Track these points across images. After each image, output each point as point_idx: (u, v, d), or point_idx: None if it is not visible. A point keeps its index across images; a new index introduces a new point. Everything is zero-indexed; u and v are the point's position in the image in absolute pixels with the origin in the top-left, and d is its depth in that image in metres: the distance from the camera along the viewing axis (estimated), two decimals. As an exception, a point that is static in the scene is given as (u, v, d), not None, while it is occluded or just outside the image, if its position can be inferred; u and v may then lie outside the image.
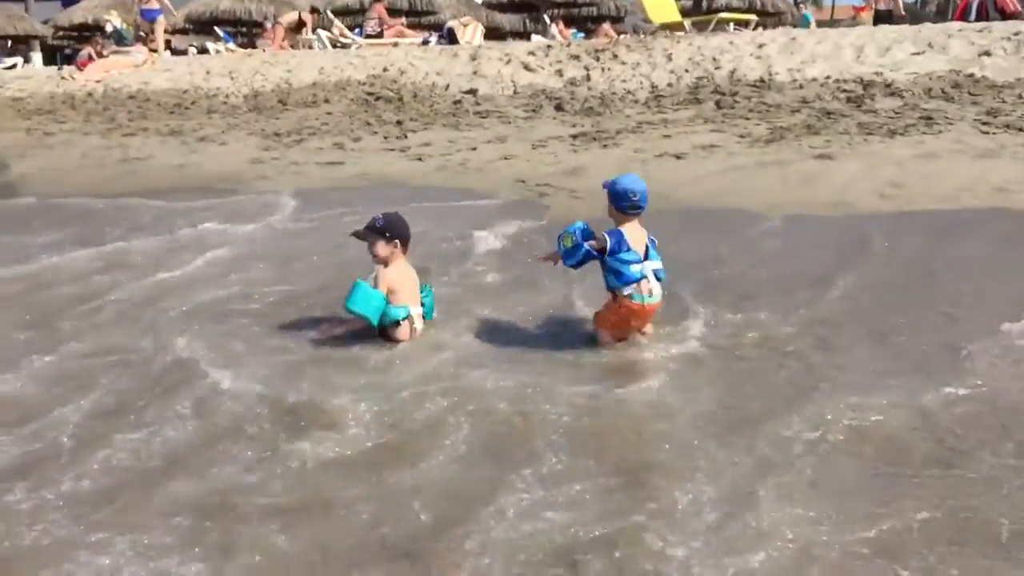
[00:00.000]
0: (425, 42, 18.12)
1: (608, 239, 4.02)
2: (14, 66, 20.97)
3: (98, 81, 14.35)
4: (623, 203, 4.08)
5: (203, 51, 20.56)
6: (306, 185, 8.33)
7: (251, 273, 5.34)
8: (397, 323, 4.07)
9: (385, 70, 13.27)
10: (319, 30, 18.27)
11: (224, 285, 5.07)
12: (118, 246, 6.14)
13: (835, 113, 9.50)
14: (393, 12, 23.70)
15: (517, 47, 13.95)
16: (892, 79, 10.56)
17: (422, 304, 4.25)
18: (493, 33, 26.90)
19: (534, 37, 19.93)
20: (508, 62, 12.75)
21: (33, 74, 16.92)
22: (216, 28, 22.34)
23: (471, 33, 19.79)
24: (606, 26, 19.79)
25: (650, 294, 4.01)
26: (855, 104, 9.79)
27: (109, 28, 16.88)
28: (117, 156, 9.92)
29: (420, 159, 9.03)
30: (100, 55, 15.04)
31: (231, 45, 20.23)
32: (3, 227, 7.02)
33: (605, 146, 9.06)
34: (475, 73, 12.47)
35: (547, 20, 21.05)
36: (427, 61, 13.45)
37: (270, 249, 5.95)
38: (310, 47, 18.38)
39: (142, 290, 5.01)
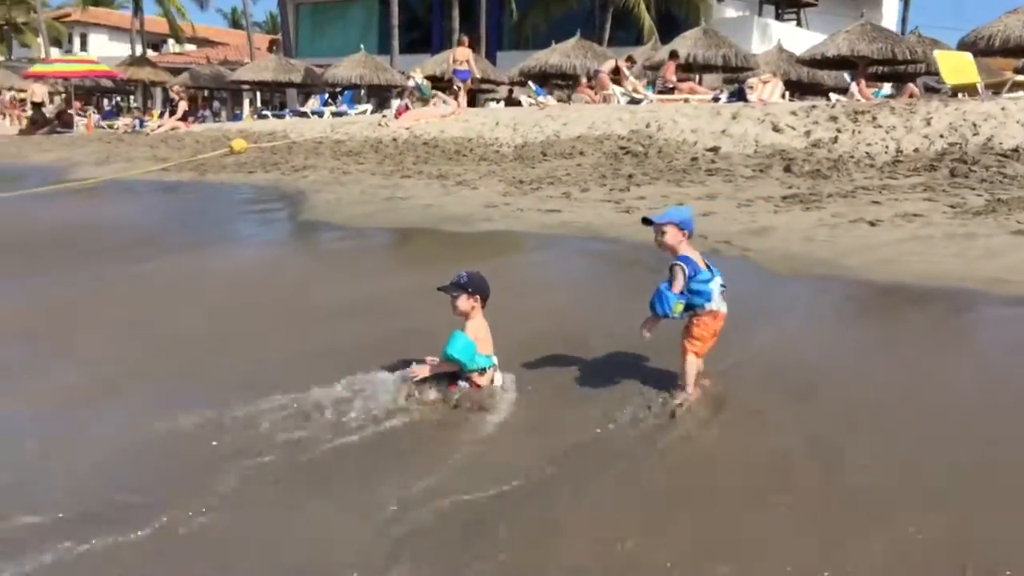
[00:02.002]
0: (715, 99, 18.66)
1: (685, 266, 4.50)
2: (364, 112, 24.34)
3: (407, 128, 16.51)
4: (690, 227, 4.61)
5: (509, 102, 22.61)
6: (512, 228, 9.36)
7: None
8: (483, 370, 4.62)
9: (647, 126, 14.04)
10: (614, 86, 19.44)
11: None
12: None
13: (1072, 189, 8.88)
14: (696, 68, 24.42)
15: (779, 108, 14.09)
16: None
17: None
18: (805, 89, 26.61)
19: (832, 96, 19.65)
20: (761, 122, 13.00)
21: (359, 120, 19.70)
22: (529, 82, 24.30)
23: (769, 91, 19.94)
24: (911, 86, 19.04)
25: (723, 302, 4.47)
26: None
27: (411, 84, 19.21)
28: (385, 195, 11.58)
29: (628, 211, 9.71)
30: (409, 106, 17.35)
31: (542, 98, 22.03)
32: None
33: (807, 208, 9.18)
34: (723, 132, 12.87)
35: (847, 78, 20.60)
36: (689, 118, 14.03)
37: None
38: (606, 100, 19.62)
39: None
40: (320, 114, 24.26)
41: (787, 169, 10.94)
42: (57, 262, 8.15)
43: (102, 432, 4.07)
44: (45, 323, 5.99)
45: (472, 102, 30.55)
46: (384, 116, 19.06)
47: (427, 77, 30.99)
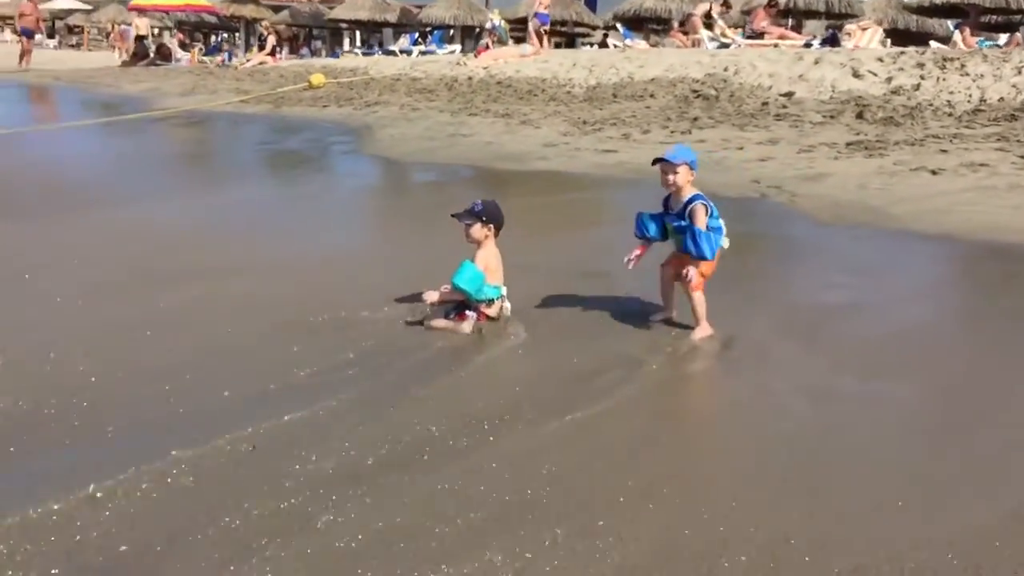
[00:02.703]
0: (807, 45, 17.97)
1: (706, 206, 4.42)
2: (452, 52, 24.31)
3: (485, 68, 16.44)
4: (696, 167, 4.52)
5: (602, 45, 22.24)
6: (565, 167, 9.28)
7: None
8: (491, 301, 4.60)
9: (725, 69, 13.64)
10: (703, 30, 18.90)
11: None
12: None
13: None
14: (797, 13, 23.49)
15: (866, 54, 13.50)
16: None
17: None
18: (912, 38, 25.32)
19: (932, 43, 18.68)
20: (843, 67, 12.49)
21: (440, 59, 19.68)
22: (617, 25, 23.82)
23: (867, 39, 19.10)
24: (1018, 35, 17.95)
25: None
26: None
27: (489, 25, 19.03)
28: (449, 131, 11.59)
29: (684, 153, 9.50)
30: (489, 46, 17.24)
31: (629, 41, 21.60)
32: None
33: (870, 156, 8.83)
34: (800, 77, 12.41)
35: (950, 26, 19.54)
36: (770, 63, 13.57)
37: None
38: (696, 44, 19.10)
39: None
40: (408, 52, 24.31)
41: (859, 116, 10.50)
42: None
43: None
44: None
45: (571, 44, 30.19)
46: (464, 55, 19.00)
47: (515, 20, 30.89)
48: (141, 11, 29.44)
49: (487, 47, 17.71)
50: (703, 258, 4.30)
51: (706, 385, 4.10)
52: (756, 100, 11.83)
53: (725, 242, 4.44)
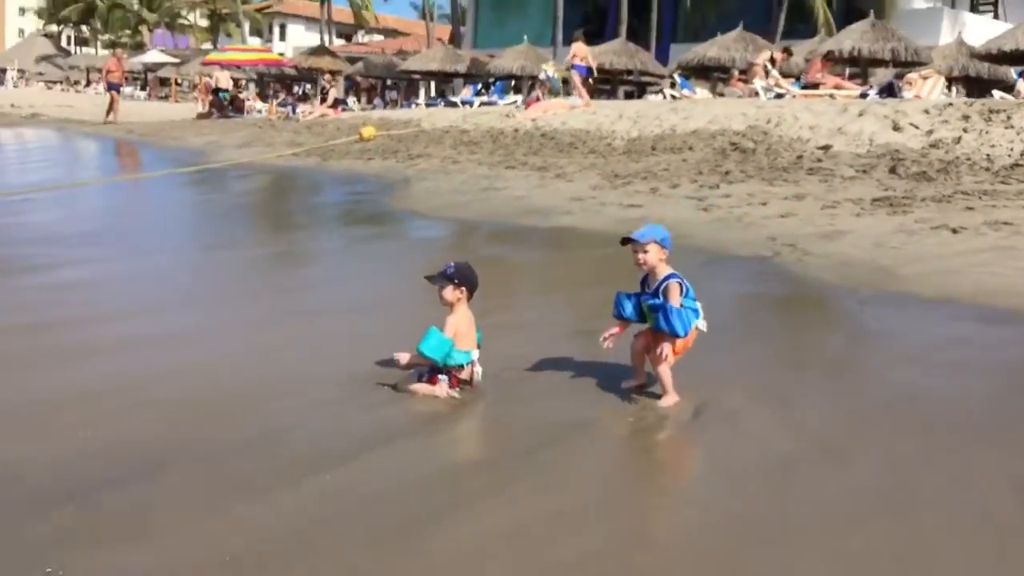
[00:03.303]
0: (863, 95, 17.71)
1: (681, 284, 4.43)
2: (513, 102, 24.62)
3: (533, 120, 16.62)
4: (668, 245, 4.52)
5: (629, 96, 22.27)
6: (586, 223, 9.31)
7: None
8: (461, 366, 4.58)
9: (768, 121, 13.53)
10: (756, 80, 18.80)
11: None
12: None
13: None
14: (862, 62, 23.14)
15: (911, 105, 13.24)
16: None
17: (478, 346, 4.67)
18: (984, 86, 24.65)
19: (995, 93, 18.22)
20: (885, 119, 12.27)
21: (491, 111, 19.96)
22: (674, 75, 23.83)
23: (929, 88, 18.75)
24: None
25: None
26: None
27: (543, 76, 19.22)
28: (483, 185, 11.74)
29: (706, 210, 9.45)
30: (538, 97, 17.43)
31: (686, 91, 21.59)
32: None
33: (893, 212, 8.66)
34: (840, 129, 12.23)
35: (1014, 74, 19.02)
36: (813, 115, 13.41)
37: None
38: (756, 94, 18.98)
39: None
40: (470, 103, 24.71)
41: (892, 170, 10.29)
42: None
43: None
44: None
45: (641, 94, 30.26)
46: (516, 106, 19.24)
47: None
48: (215, 64, 30.64)
49: (537, 99, 17.92)
50: (675, 334, 4.26)
51: (661, 456, 4.05)
52: (792, 153, 11.70)
53: (703, 324, 4.41)
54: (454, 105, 24.89)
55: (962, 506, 3.21)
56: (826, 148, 11.73)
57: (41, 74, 71.50)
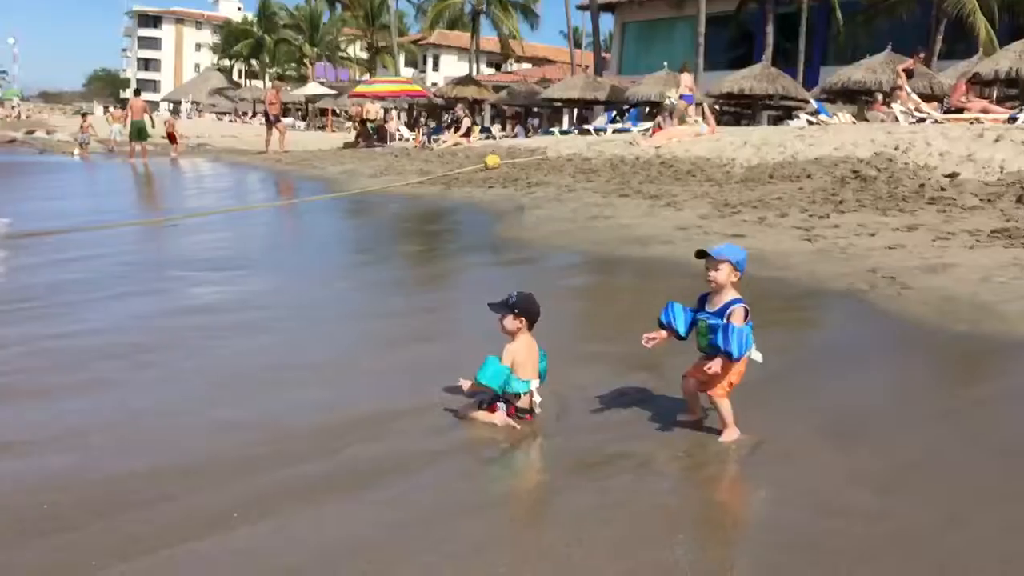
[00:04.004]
0: (1012, 119, 16.74)
1: (747, 311, 4.41)
2: (647, 129, 24.55)
3: (657, 147, 16.53)
4: (743, 269, 4.50)
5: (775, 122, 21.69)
6: (685, 253, 9.19)
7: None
8: (518, 395, 4.71)
9: (896, 148, 13.00)
10: (895, 104, 18.06)
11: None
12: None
13: None
14: (1021, 84, 21.83)
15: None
16: None
17: (540, 374, 4.79)
18: None
19: None
20: (1022, 144, 11.58)
21: (616, 138, 19.93)
22: (811, 100, 23.14)
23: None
24: None
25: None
26: None
27: (667, 103, 19.03)
28: (592, 213, 11.77)
29: (810, 240, 9.17)
30: (660, 125, 17.30)
31: (823, 116, 20.94)
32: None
33: (1011, 245, 8.20)
34: (969, 157, 11.61)
35: None
36: (948, 141, 12.77)
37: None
38: (895, 119, 18.26)
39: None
40: (603, 130, 24.77)
41: (1020, 199, 9.69)
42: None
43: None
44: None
45: (789, 117, 29.55)
46: (644, 132, 19.17)
47: (719, 96, 30.68)
48: (361, 96, 31.90)
49: (659, 126, 17.81)
50: (729, 356, 4.22)
51: (710, 492, 4.04)
52: (915, 181, 11.19)
53: (757, 356, 4.36)
54: (587, 132, 25.01)
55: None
56: (952, 176, 11.16)
57: (213, 106, 76.36)
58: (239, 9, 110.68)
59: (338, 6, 69.92)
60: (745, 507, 3.95)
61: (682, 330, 4.46)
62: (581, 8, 47.37)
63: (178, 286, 8.22)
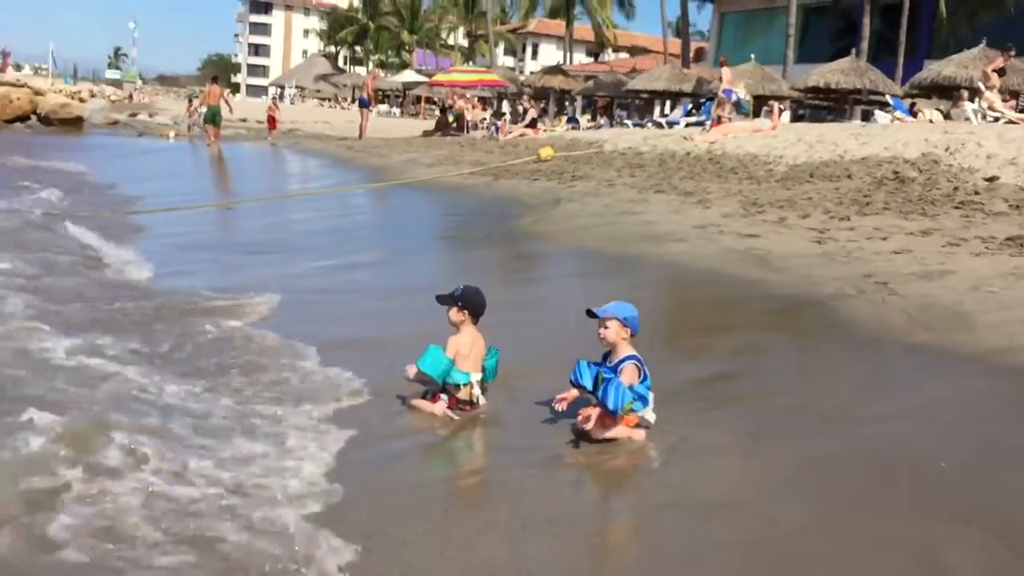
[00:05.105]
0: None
1: (639, 368, 4.53)
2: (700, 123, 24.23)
3: (712, 142, 16.37)
4: (634, 326, 4.65)
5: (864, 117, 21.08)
6: (692, 251, 9.21)
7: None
8: (458, 386, 4.92)
9: (947, 149, 12.62)
10: (965, 103, 17.42)
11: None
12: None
13: None
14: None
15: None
16: None
17: (484, 369, 5.00)
18: None
19: None
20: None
21: (673, 132, 19.74)
22: (887, 96, 22.44)
23: None
24: None
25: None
26: None
27: (733, 98, 18.73)
28: (621, 209, 11.82)
29: (819, 242, 9.06)
30: (720, 119, 17.07)
31: (899, 113, 20.30)
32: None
33: (1019, 254, 7.93)
34: (1012, 161, 11.19)
35: None
36: (1002, 143, 12.33)
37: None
38: (966, 118, 17.63)
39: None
40: (675, 124, 24.56)
41: (1048, 207, 9.35)
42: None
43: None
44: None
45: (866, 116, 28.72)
46: (703, 127, 18.96)
47: (808, 88, 29.97)
48: (438, 85, 32.37)
49: (718, 120, 17.60)
50: (604, 406, 4.29)
51: (601, 489, 4.28)
52: (949, 185, 10.87)
53: (650, 416, 4.48)
54: (659, 126, 24.85)
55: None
56: (992, 180, 10.79)
57: (318, 91, 78.38)
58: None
59: (438, -7, 70.86)
60: (626, 504, 4.13)
61: (588, 386, 4.56)
62: (682, -4, 46.58)
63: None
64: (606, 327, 4.56)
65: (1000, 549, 3.35)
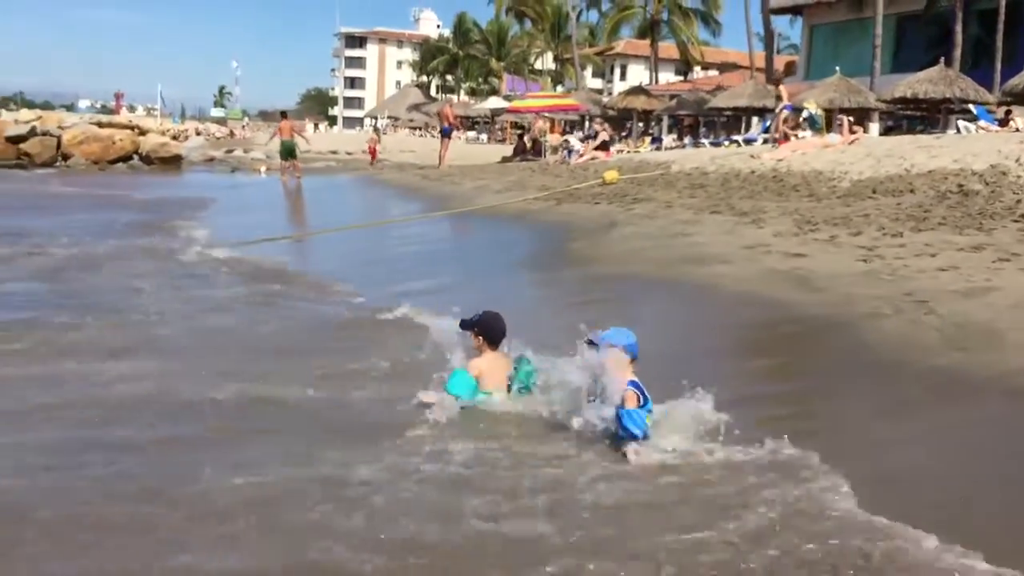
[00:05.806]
0: None
1: (638, 392, 4.56)
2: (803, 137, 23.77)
3: (780, 160, 16.08)
4: (634, 352, 4.71)
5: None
6: (731, 275, 9.09)
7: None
8: None
9: (1018, 160, 12.14)
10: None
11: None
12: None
13: None
14: None
15: None
16: None
17: (511, 380, 5.21)
18: None
19: None
20: None
21: (742, 151, 19.40)
22: (970, 105, 21.63)
23: None
24: None
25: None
26: None
27: (805, 114, 18.32)
28: (675, 231, 11.74)
29: (865, 260, 8.84)
30: (787, 136, 16.73)
31: (983, 122, 19.59)
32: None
33: (1070, 269, 7.58)
34: (1084, 169, 10.70)
35: None
36: (1077, 152, 11.85)
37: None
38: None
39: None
40: (752, 141, 24.21)
41: (1113, 218, 8.91)
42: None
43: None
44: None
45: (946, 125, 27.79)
46: (772, 145, 18.61)
47: (895, 101, 29.11)
48: (516, 111, 32.68)
49: (786, 136, 17.27)
50: (635, 437, 4.34)
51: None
52: (1015, 197, 10.46)
53: (649, 420, 4.51)
54: (738, 143, 24.51)
55: None
56: (1055, 191, 10.35)
57: (411, 120, 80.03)
58: (438, 26, 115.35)
59: (526, 21, 71.50)
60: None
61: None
62: (774, 12, 45.77)
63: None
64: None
65: None
